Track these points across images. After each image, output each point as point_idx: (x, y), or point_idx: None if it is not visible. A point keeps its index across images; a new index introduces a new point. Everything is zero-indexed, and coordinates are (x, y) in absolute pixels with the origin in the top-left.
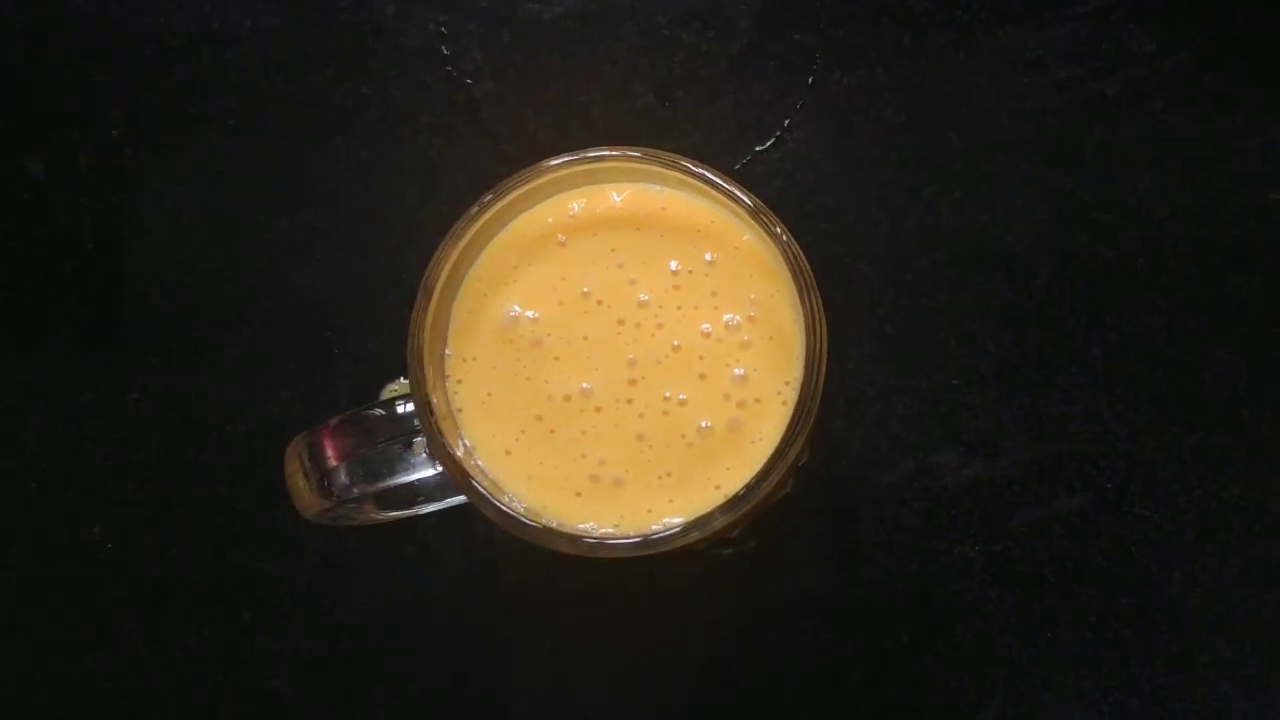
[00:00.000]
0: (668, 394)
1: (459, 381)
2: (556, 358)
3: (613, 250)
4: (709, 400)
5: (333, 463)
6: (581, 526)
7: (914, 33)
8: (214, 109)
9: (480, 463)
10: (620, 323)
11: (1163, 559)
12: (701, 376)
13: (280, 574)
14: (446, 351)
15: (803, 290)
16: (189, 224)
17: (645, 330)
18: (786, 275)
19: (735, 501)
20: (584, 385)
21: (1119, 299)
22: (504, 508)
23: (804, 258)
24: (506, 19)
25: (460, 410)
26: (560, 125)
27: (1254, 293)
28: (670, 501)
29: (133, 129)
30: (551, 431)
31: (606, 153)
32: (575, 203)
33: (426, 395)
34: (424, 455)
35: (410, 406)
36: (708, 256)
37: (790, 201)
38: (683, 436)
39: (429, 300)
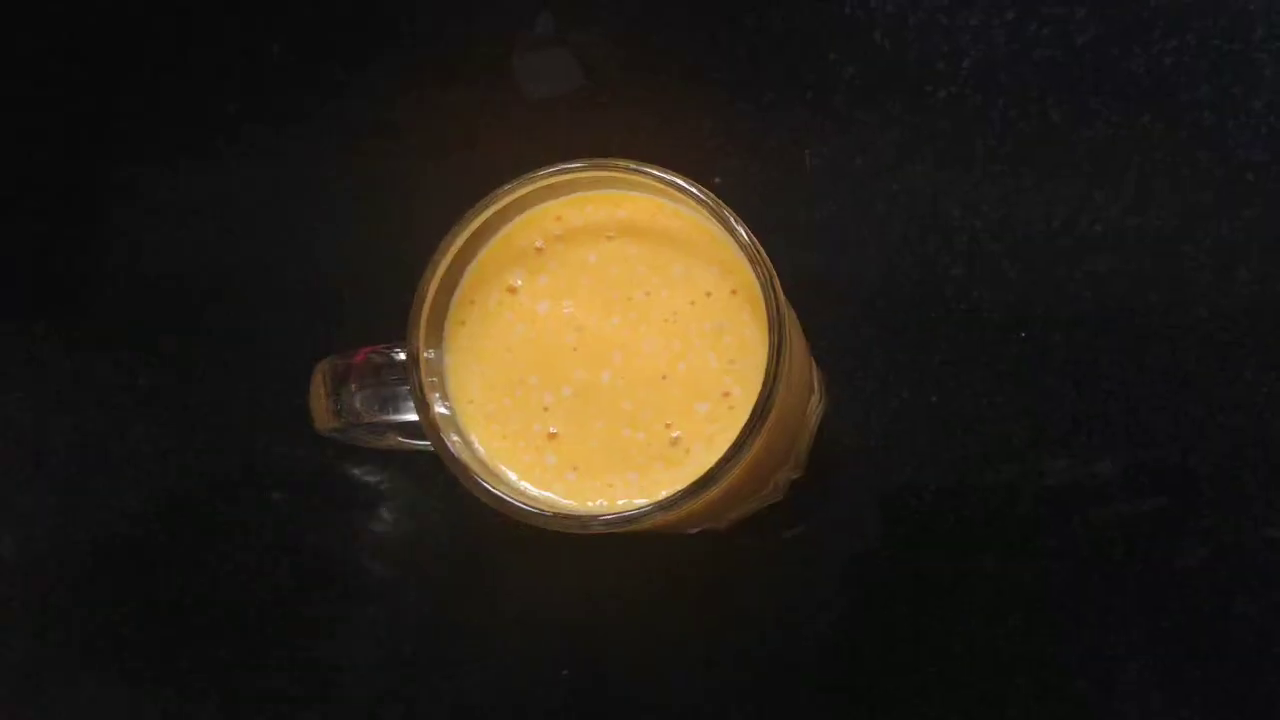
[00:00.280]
0: (645, 388)
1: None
2: (547, 348)
3: (604, 256)
4: (683, 392)
5: (350, 389)
6: (545, 495)
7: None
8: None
9: (459, 421)
10: (604, 321)
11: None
12: (680, 370)
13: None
14: (447, 316)
15: (765, 284)
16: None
17: (627, 327)
18: (752, 273)
19: (697, 487)
20: (572, 375)
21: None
22: (459, 456)
23: (766, 255)
24: None
25: (451, 368)
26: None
27: None
28: (634, 483)
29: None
30: (522, 402)
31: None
32: (572, 209)
33: (418, 351)
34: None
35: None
36: (686, 264)
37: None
38: (667, 425)
39: (436, 269)
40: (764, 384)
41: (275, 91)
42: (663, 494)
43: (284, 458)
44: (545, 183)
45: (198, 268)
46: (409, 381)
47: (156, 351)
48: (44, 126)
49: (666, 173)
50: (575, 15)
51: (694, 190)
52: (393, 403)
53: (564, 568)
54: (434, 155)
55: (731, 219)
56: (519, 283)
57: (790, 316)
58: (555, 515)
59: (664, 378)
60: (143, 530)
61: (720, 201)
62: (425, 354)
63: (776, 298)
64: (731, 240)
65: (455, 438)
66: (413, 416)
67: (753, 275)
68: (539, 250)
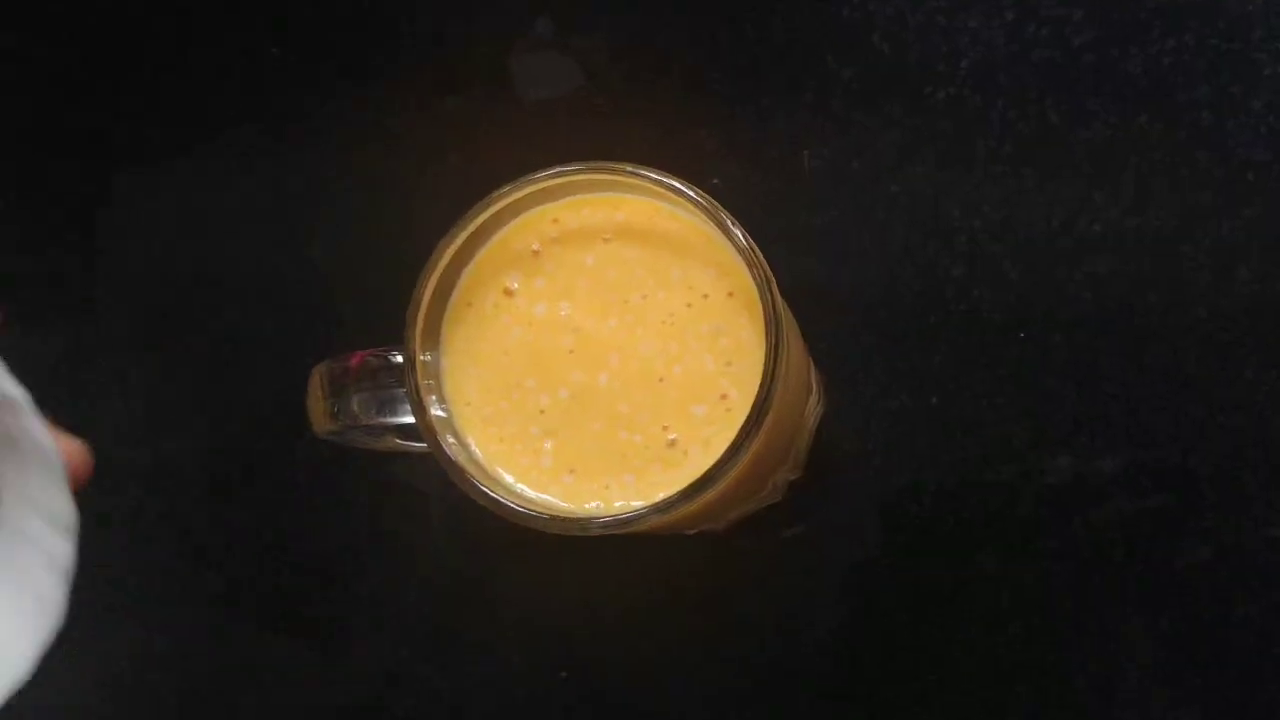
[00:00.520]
0: (642, 391)
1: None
2: (544, 351)
3: (600, 259)
4: (680, 394)
5: (348, 392)
6: (542, 498)
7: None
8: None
9: (456, 424)
10: (601, 324)
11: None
12: (676, 373)
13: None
14: (444, 318)
15: (761, 286)
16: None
17: (624, 329)
18: (749, 275)
19: (694, 489)
20: (569, 378)
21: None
22: (455, 459)
23: (763, 257)
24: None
25: (447, 370)
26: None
27: None
28: (630, 485)
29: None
30: (519, 405)
31: (575, 166)
32: (569, 212)
33: (414, 354)
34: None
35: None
36: (683, 267)
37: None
38: (664, 427)
39: (432, 272)
40: (761, 386)
41: (273, 94)
42: (660, 496)
43: (281, 460)
44: (542, 185)
45: (196, 270)
46: (406, 384)
47: (153, 353)
48: (42, 127)
49: (664, 175)
50: (574, 19)
51: (691, 193)
52: (390, 405)
53: (562, 570)
54: (432, 158)
55: (728, 221)
56: (516, 285)
57: (788, 318)
58: (552, 518)
59: (661, 380)
60: (139, 532)
61: (717, 204)
62: (422, 357)
63: (773, 300)
64: (728, 243)
65: (452, 440)
66: (410, 419)
67: (750, 278)
68: (536, 253)
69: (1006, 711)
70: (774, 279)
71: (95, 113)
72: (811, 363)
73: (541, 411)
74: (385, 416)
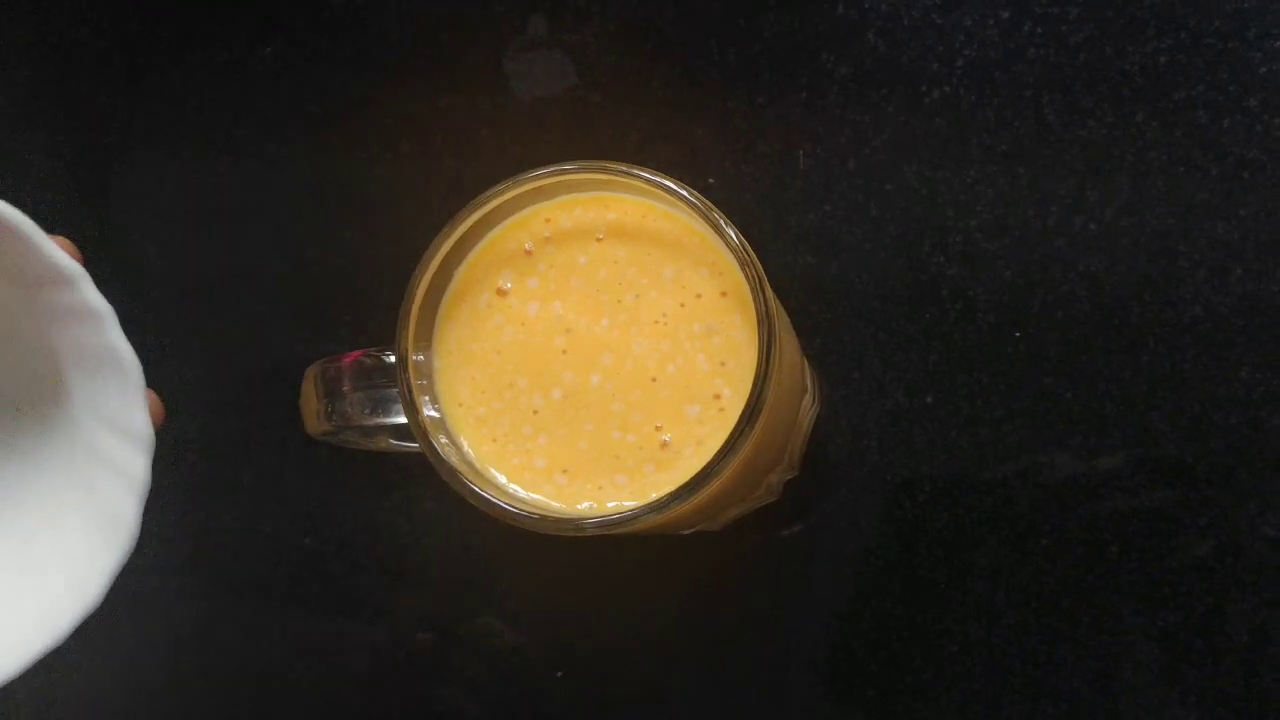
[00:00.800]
0: (635, 391)
1: (442, 350)
2: (536, 351)
3: (593, 258)
4: (673, 394)
5: (341, 392)
6: (534, 498)
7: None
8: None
9: (448, 424)
10: (594, 323)
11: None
12: (669, 372)
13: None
14: (437, 318)
15: (754, 286)
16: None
17: (617, 329)
18: (741, 275)
19: (687, 489)
20: (561, 378)
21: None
22: (448, 459)
23: (755, 257)
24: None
25: (440, 371)
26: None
27: None
28: (623, 486)
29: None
30: (511, 405)
31: (573, 166)
32: (561, 211)
33: (406, 354)
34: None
35: (420, 357)
36: (676, 266)
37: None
38: (657, 427)
39: (425, 271)
40: (754, 386)
41: (265, 94)
42: (653, 496)
43: (275, 460)
44: (535, 185)
45: (188, 270)
46: (398, 384)
47: (149, 353)
48: (40, 127)
49: (656, 175)
50: (568, 17)
51: (683, 192)
52: (384, 405)
53: (558, 569)
54: (425, 156)
55: (721, 221)
56: (508, 285)
57: (782, 318)
58: (544, 518)
59: (654, 380)
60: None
61: (710, 204)
62: (414, 357)
63: (766, 300)
64: (721, 242)
65: (444, 440)
66: (404, 419)
67: (742, 277)
68: (528, 252)
69: (1003, 707)
70: (766, 278)
71: (86, 113)
72: (806, 362)
73: (534, 411)
74: (378, 417)
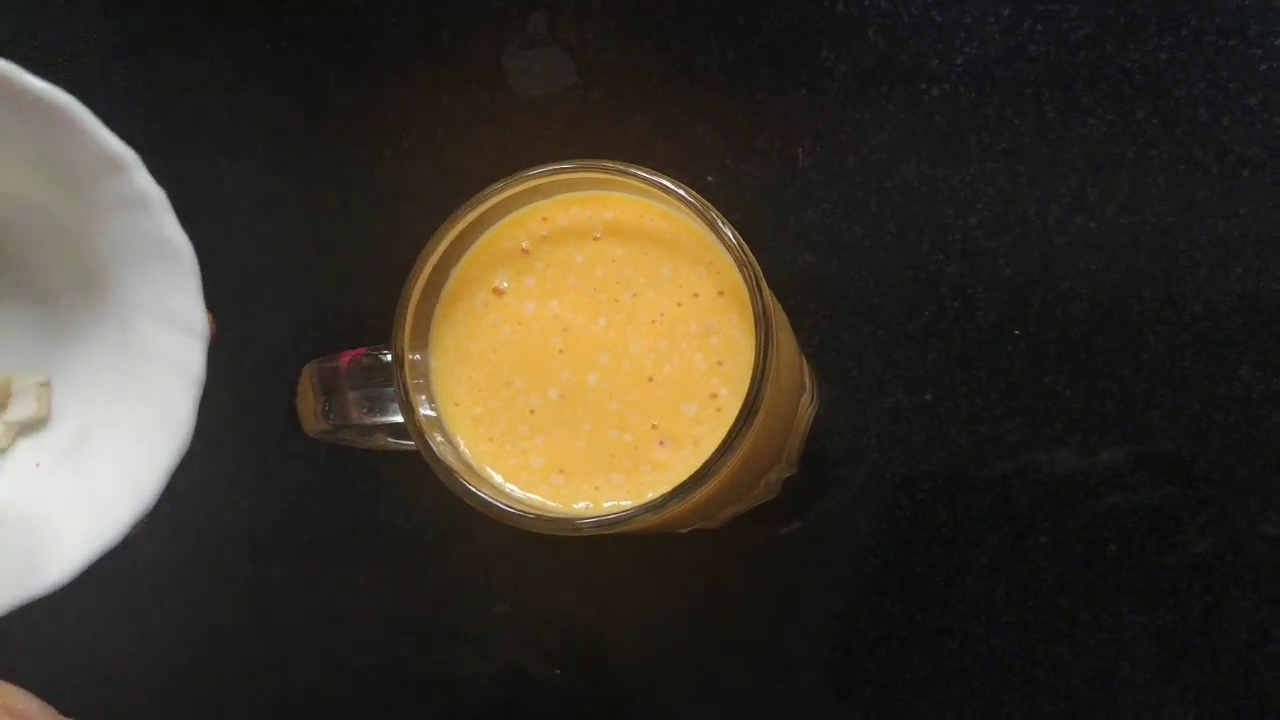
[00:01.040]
0: (632, 390)
1: (438, 349)
2: (533, 350)
3: (589, 257)
4: (670, 393)
5: (338, 391)
6: (531, 498)
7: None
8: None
9: (444, 423)
10: (591, 323)
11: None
12: (666, 372)
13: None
14: (433, 317)
15: (751, 285)
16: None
17: (614, 328)
18: (738, 274)
19: (684, 489)
20: (558, 377)
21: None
22: (444, 459)
23: (752, 256)
24: None
25: (436, 370)
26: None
27: None
28: (620, 485)
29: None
30: (508, 404)
31: (569, 164)
32: (558, 210)
33: (403, 353)
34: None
35: (417, 356)
36: (673, 265)
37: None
38: (654, 426)
39: (422, 270)
40: (751, 385)
41: (265, 91)
42: (650, 496)
43: (271, 459)
44: (532, 184)
45: None
46: (394, 384)
47: None
48: None
49: (653, 174)
50: (568, 14)
51: (680, 191)
52: (380, 404)
53: (555, 568)
54: (425, 154)
55: (718, 220)
56: (505, 284)
57: (779, 316)
58: (540, 518)
59: (651, 379)
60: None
61: (707, 203)
62: (411, 356)
63: (763, 299)
64: (718, 241)
65: (440, 439)
66: (400, 418)
67: (740, 276)
68: (525, 252)
69: (1002, 705)
70: (764, 277)
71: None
72: (805, 361)
73: (531, 411)
74: (375, 416)
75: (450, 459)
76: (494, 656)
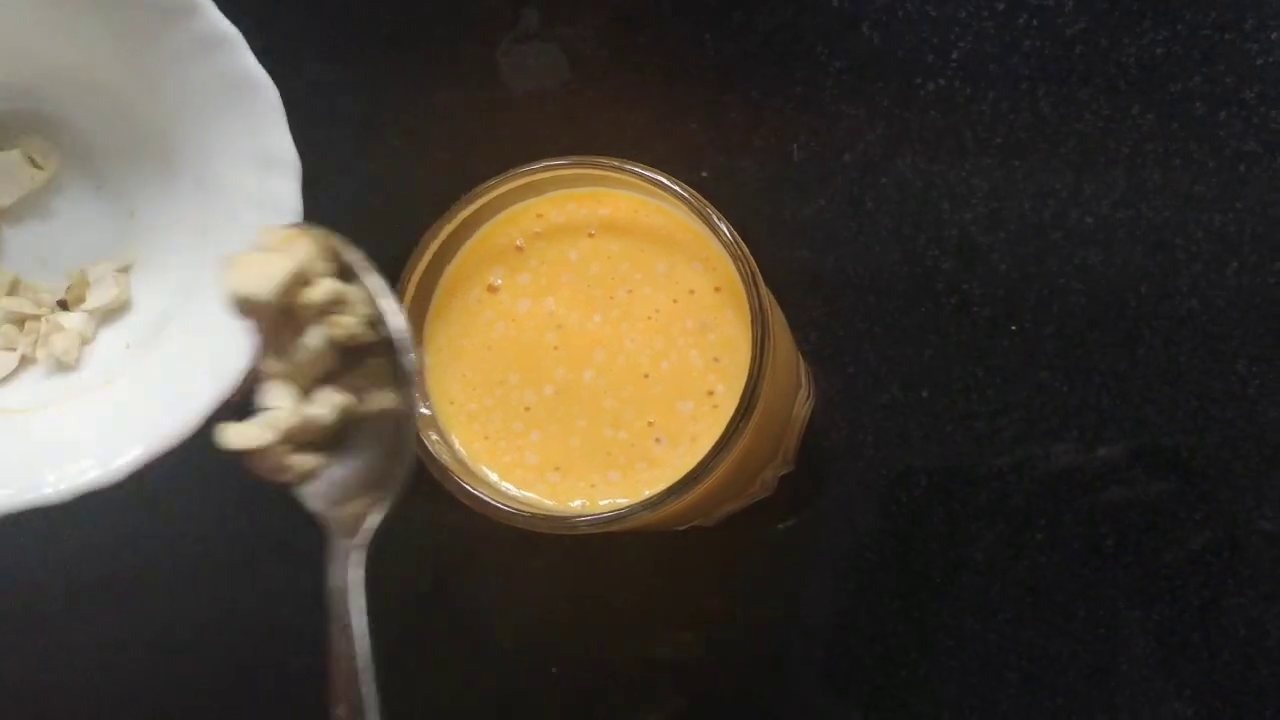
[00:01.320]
0: (628, 387)
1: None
2: (528, 347)
3: (585, 254)
4: (666, 390)
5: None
6: (526, 495)
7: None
8: None
9: (439, 421)
10: (586, 319)
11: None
12: (662, 369)
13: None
14: (427, 314)
15: (747, 281)
16: None
17: (609, 325)
18: (735, 270)
19: (680, 486)
20: (553, 374)
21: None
22: (439, 457)
23: (748, 252)
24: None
25: (431, 367)
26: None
27: None
28: (616, 483)
29: None
30: (503, 402)
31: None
32: (553, 206)
33: None
34: None
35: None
36: (669, 261)
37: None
38: (650, 424)
39: (415, 267)
40: (747, 382)
41: None
42: (646, 493)
43: None
44: (526, 180)
45: None
46: None
47: None
48: None
49: (648, 169)
50: (561, 10)
51: (676, 188)
52: None
53: (552, 564)
54: (418, 151)
55: (714, 216)
56: (499, 281)
57: (775, 313)
58: (536, 516)
59: (646, 376)
60: (125, 529)
61: (703, 199)
62: None
63: (759, 295)
64: (714, 237)
65: (435, 437)
66: None
67: (736, 273)
68: (520, 248)
69: (999, 701)
70: (760, 274)
71: None
72: (801, 357)
73: (526, 408)
74: None
75: (445, 457)
76: (489, 655)
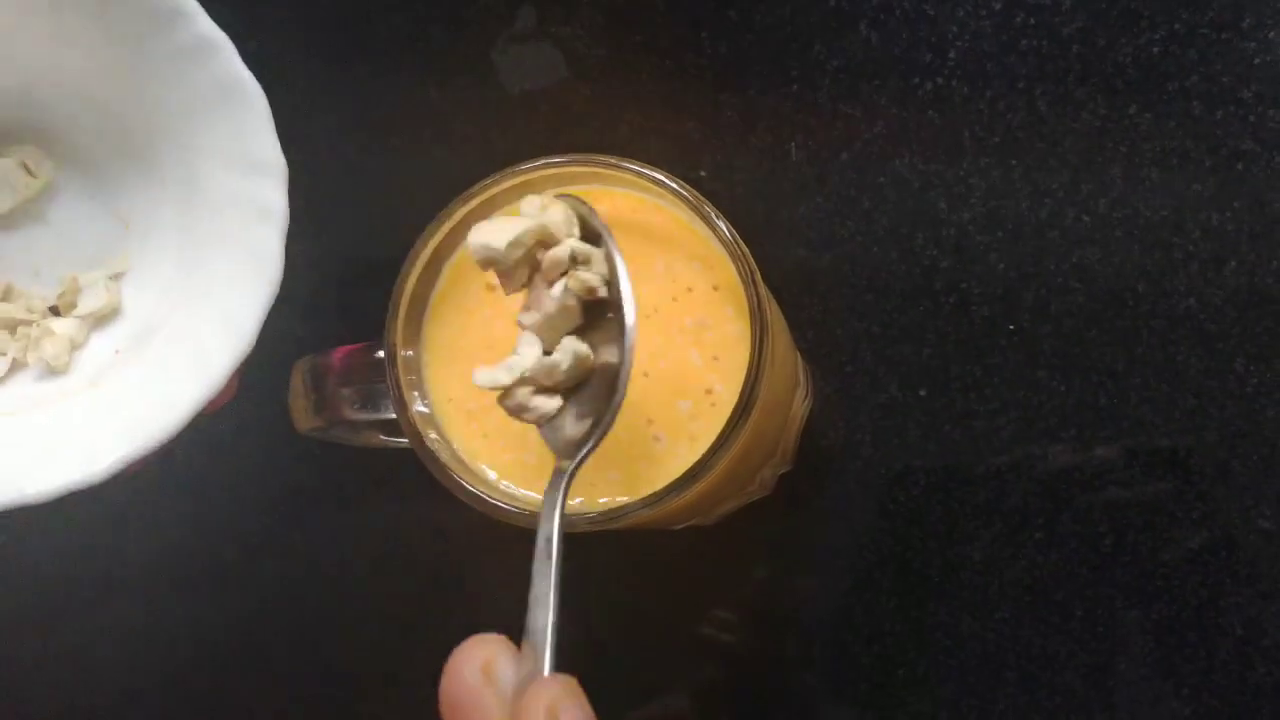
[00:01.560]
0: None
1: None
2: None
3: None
4: (665, 389)
5: (330, 388)
6: (525, 494)
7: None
8: None
9: (438, 420)
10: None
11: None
12: (661, 367)
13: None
14: (426, 313)
15: (746, 280)
16: None
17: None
18: (733, 268)
19: (679, 484)
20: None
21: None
22: (438, 455)
23: (747, 250)
24: None
25: (429, 366)
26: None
27: None
28: (615, 481)
29: None
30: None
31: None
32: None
33: (395, 349)
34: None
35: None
36: (667, 260)
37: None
38: (648, 422)
39: (414, 265)
40: (746, 380)
41: None
42: (645, 492)
43: (263, 457)
44: (523, 178)
45: None
46: (387, 380)
47: None
48: None
49: (647, 167)
50: (557, 9)
51: (674, 185)
52: (373, 401)
53: None
54: (415, 150)
55: (712, 214)
56: (497, 280)
57: (774, 312)
58: (535, 514)
59: (645, 375)
60: (124, 527)
61: (701, 197)
62: (404, 352)
63: (758, 293)
64: (713, 236)
65: (434, 436)
66: (393, 415)
67: (734, 271)
68: None
69: (997, 701)
70: (758, 272)
71: None
72: (799, 356)
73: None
74: (368, 412)
75: (444, 455)
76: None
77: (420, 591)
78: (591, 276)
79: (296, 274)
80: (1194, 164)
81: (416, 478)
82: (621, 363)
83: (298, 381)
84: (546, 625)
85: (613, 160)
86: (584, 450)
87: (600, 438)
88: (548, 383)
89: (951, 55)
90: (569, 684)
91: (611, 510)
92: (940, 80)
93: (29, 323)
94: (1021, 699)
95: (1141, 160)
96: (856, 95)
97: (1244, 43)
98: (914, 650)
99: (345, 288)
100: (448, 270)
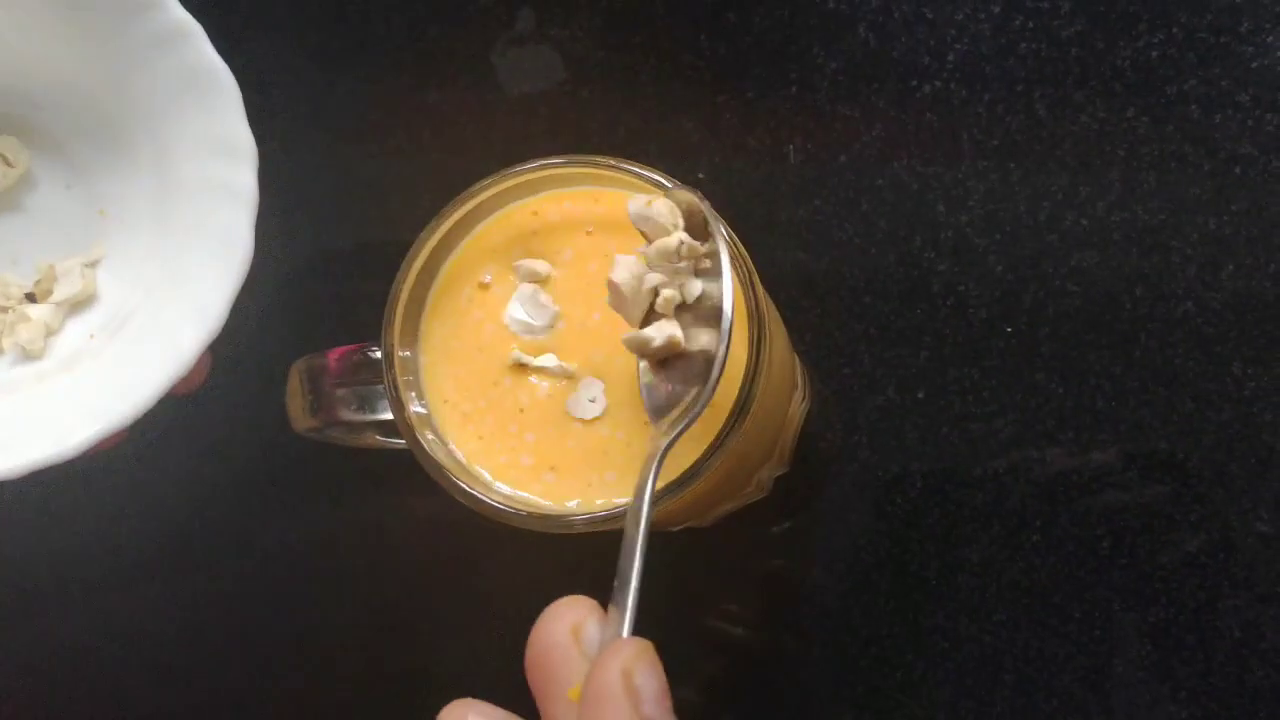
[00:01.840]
0: (623, 386)
1: (427, 344)
2: (519, 347)
3: (581, 252)
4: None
5: (327, 388)
6: (521, 495)
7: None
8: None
9: (435, 421)
10: (586, 318)
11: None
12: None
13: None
14: (423, 314)
15: (744, 283)
16: None
17: (606, 323)
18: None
19: (675, 485)
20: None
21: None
22: (434, 456)
23: (745, 252)
24: None
25: (425, 367)
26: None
27: None
28: (613, 483)
29: None
30: (497, 402)
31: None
32: (549, 205)
33: (392, 347)
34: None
35: (406, 353)
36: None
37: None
38: (645, 423)
39: (411, 266)
40: (742, 382)
41: (252, 89)
42: None
43: (261, 456)
44: (523, 178)
45: None
46: (384, 381)
47: None
48: None
49: (645, 168)
50: (556, 11)
51: (673, 185)
52: (370, 402)
53: (546, 565)
54: (415, 151)
55: (711, 216)
56: (489, 278)
57: (772, 314)
58: (532, 515)
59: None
60: (123, 526)
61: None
62: (400, 352)
63: (756, 296)
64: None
65: (431, 437)
66: (390, 415)
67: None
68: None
69: (994, 704)
70: (756, 274)
71: None
72: (797, 358)
73: (520, 409)
74: (365, 413)
75: (441, 456)
76: (483, 656)
77: (417, 591)
78: (707, 264)
79: (294, 274)
80: (1192, 167)
81: (413, 478)
82: (715, 352)
83: (295, 382)
84: (629, 586)
85: (610, 160)
86: (678, 429)
87: (692, 419)
88: (667, 354)
89: (950, 58)
90: (644, 647)
91: (608, 512)
92: (939, 83)
93: (5, 309)
94: (1019, 701)
95: (1139, 164)
96: (855, 98)
97: (1242, 47)
98: (911, 652)
99: (343, 288)
100: (445, 270)
